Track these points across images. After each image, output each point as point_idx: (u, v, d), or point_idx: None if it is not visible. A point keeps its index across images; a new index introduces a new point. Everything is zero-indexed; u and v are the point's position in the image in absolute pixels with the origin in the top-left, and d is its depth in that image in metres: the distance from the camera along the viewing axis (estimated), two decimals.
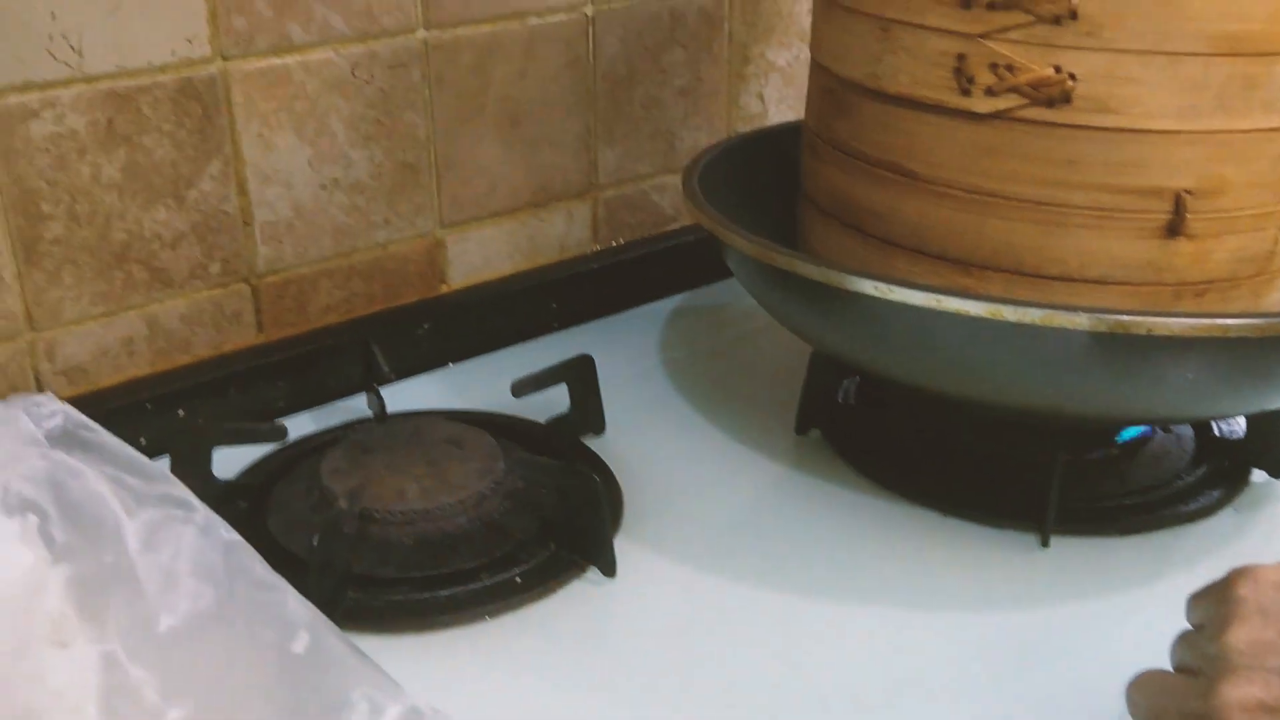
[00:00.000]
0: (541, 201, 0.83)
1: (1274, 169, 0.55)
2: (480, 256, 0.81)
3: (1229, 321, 0.50)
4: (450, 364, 0.78)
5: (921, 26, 0.55)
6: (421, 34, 0.73)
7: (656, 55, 0.85)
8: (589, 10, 0.80)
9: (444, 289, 0.80)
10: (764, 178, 0.75)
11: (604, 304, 0.85)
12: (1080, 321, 0.51)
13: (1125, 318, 0.50)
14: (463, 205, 0.79)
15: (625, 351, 0.80)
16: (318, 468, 0.61)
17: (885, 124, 0.58)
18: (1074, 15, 0.52)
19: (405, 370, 0.76)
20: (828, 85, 0.62)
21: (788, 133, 0.74)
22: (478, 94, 0.77)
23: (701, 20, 0.86)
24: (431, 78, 0.74)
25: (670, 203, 0.89)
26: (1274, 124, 0.54)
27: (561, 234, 0.85)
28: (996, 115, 0.55)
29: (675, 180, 0.89)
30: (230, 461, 0.64)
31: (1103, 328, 0.50)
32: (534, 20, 0.78)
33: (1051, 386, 0.55)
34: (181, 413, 0.68)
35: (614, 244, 0.87)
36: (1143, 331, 0.50)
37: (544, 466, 0.62)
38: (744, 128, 0.91)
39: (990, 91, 0.54)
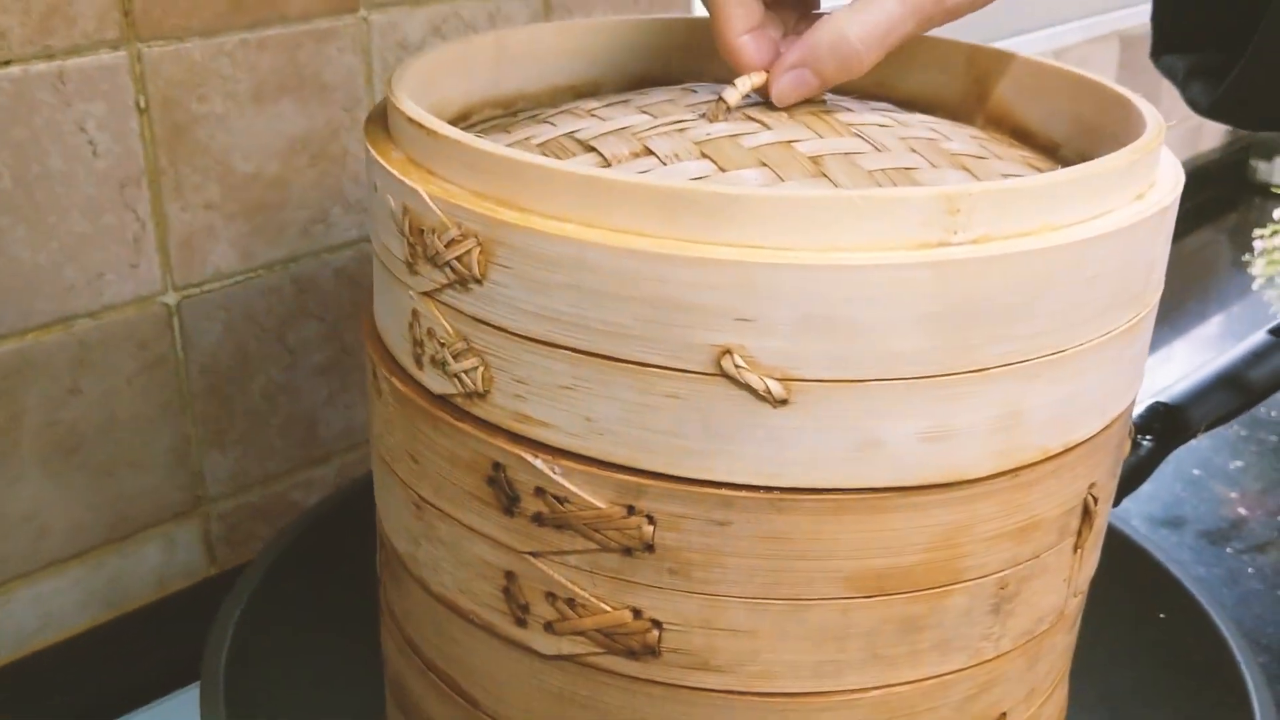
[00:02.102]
0: (125, 534, 0.64)
1: (959, 715, 0.39)
2: (35, 618, 0.62)
3: None
4: None
5: (459, 521, 0.38)
6: None
7: (280, 334, 0.66)
8: (170, 299, 0.61)
9: None
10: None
11: None
12: None
13: None
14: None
15: None
16: None
17: (438, 626, 0.41)
18: (650, 548, 0.35)
19: None
20: (381, 536, 0.45)
21: None
22: (7, 428, 0.58)
23: (342, 284, 0.68)
24: None
25: (319, 498, 0.71)
26: (954, 666, 0.38)
27: (159, 566, 0.66)
28: (564, 657, 0.38)
29: (322, 473, 0.71)
30: None
31: None
32: (86, 323, 0.59)
33: None
34: None
35: (243, 563, 0.69)
36: None
37: None
38: None
39: (551, 628, 0.37)
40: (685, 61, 0.51)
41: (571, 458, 0.35)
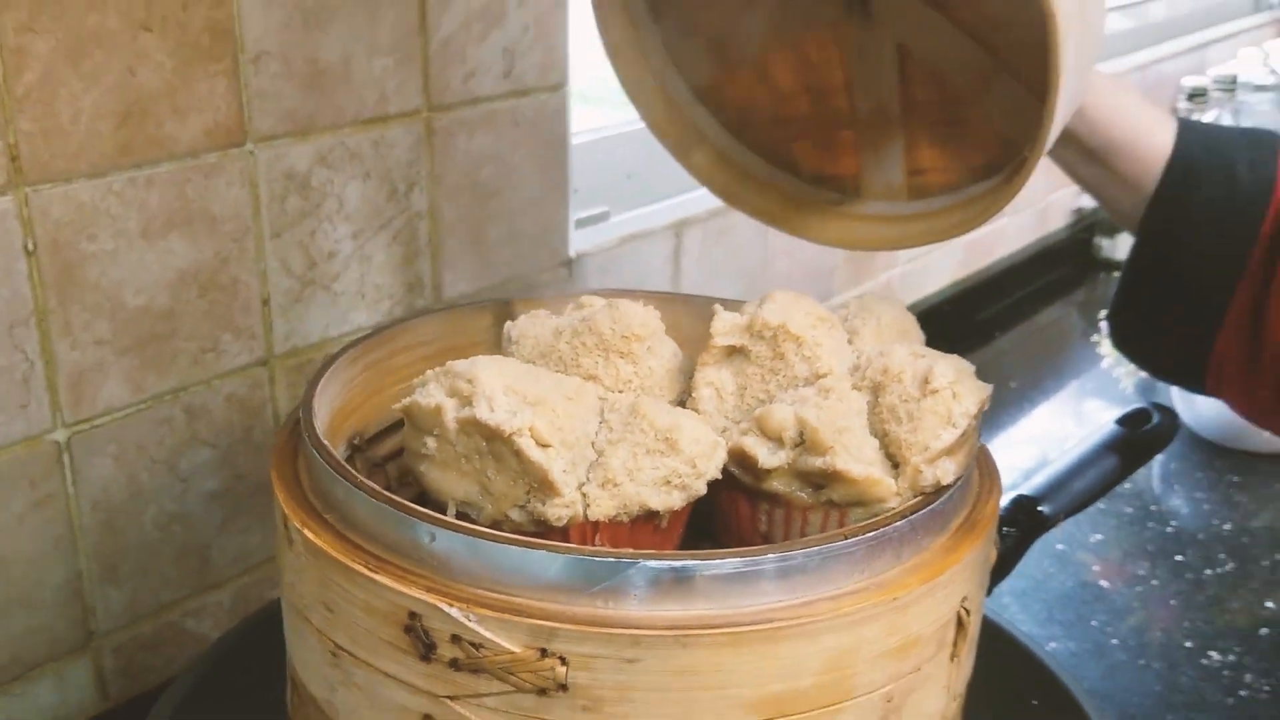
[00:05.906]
0: (15, 675, 0.63)
1: None
2: None
3: None
4: None
5: (376, 668, 0.40)
6: None
7: (172, 464, 0.67)
8: (59, 436, 0.61)
9: None
10: None
11: None
12: None
13: None
14: None
15: None
16: None
17: None
18: (563, 688, 0.37)
19: None
20: (294, 680, 0.46)
21: None
22: None
23: (234, 409, 0.69)
24: None
25: (213, 626, 0.71)
26: None
27: (51, 706, 0.65)
28: None
29: (216, 599, 0.71)
30: None
31: None
32: None
33: None
34: None
35: (136, 695, 0.69)
36: None
37: None
38: None
39: None
40: None
41: (486, 604, 0.37)
